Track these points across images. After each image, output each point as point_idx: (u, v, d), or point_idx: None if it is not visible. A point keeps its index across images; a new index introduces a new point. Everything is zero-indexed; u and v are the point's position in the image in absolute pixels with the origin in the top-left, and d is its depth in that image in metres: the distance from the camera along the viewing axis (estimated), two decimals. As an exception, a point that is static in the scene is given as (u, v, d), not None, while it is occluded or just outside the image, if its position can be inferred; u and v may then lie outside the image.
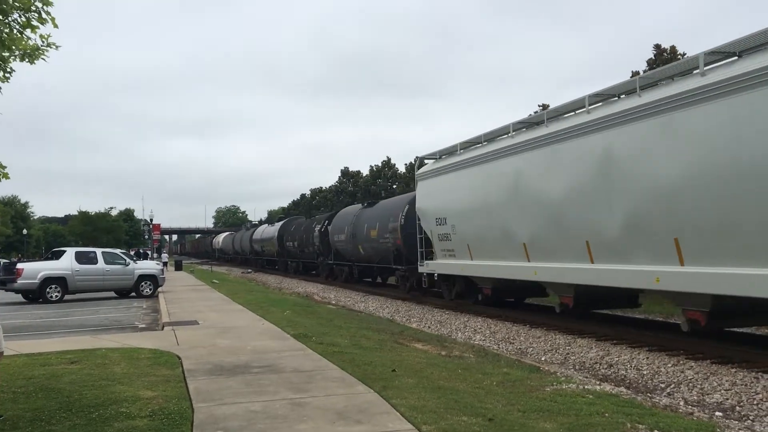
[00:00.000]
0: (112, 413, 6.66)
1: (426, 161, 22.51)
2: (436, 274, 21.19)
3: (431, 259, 21.60)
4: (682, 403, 9.03)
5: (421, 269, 22.09)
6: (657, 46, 34.98)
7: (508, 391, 7.77)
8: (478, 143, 18.47)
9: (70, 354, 10.55)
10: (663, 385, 10.36)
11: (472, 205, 18.17)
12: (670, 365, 11.36)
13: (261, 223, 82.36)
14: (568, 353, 13.17)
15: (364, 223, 29.60)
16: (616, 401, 7.44)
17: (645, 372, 11.22)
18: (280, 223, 53.31)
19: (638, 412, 6.81)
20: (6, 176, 6.41)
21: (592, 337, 14.32)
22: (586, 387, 8.41)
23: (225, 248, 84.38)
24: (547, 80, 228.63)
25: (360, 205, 34.01)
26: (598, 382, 9.53)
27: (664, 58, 34.47)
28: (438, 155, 21.18)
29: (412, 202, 23.66)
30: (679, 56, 34.43)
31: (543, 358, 12.91)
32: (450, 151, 20.22)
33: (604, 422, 6.27)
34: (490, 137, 17.88)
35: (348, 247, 32.09)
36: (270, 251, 54.77)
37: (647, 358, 12.03)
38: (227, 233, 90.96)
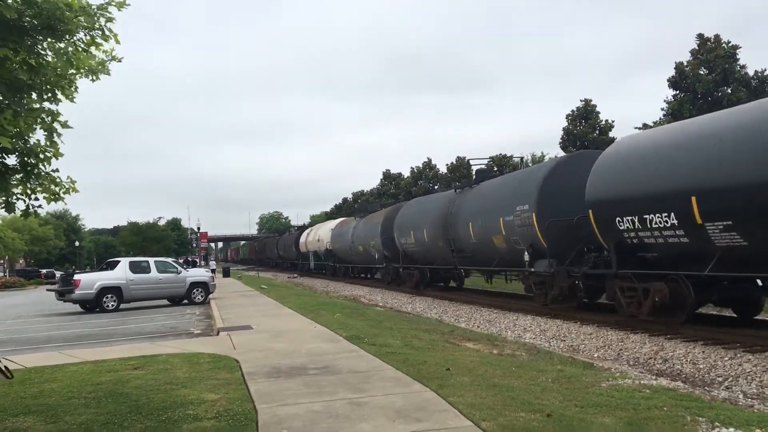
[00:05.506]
0: (180, 415, 6.92)
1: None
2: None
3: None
4: (741, 396, 8.94)
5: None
6: (700, 36, 34.25)
7: (564, 388, 7.80)
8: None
9: (133, 360, 10.93)
10: (720, 379, 10.25)
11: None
12: (726, 359, 11.22)
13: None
14: (621, 349, 13.09)
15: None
16: (673, 395, 7.41)
17: (701, 366, 11.10)
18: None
19: (697, 406, 6.79)
20: (75, 190, 6.65)
21: (645, 332, 14.18)
22: (642, 382, 8.38)
23: (340, 248, 44.84)
24: (596, 72, 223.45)
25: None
26: (654, 377, 9.48)
27: (707, 47, 33.80)
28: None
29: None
30: (723, 45, 33.70)
31: (596, 355, 12.86)
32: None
33: (663, 416, 6.27)
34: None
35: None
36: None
37: (703, 352, 11.89)
38: (338, 222, 49.51)
